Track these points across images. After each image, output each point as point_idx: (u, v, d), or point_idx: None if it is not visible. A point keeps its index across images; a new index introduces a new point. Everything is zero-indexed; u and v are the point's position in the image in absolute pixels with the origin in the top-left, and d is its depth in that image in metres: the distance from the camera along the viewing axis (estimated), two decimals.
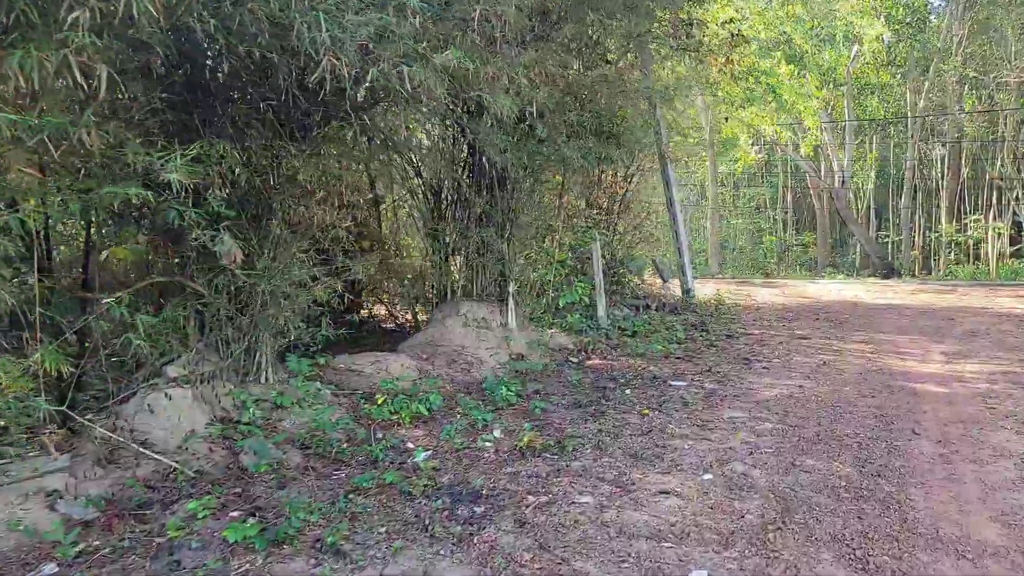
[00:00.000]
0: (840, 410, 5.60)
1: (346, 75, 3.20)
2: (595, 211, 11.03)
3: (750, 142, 22.34)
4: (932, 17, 23.42)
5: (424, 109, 4.96)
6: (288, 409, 4.91)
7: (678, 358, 7.86)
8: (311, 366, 5.30)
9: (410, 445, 4.76)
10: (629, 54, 9.02)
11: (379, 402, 5.42)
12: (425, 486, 3.95)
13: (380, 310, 9.68)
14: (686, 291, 12.19)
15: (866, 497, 3.80)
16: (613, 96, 6.83)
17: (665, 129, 11.42)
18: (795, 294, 14.78)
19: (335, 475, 4.29)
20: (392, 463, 4.43)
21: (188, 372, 4.61)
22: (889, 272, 21.71)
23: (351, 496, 3.82)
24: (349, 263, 5.43)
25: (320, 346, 5.81)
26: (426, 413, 5.28)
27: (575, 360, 7.68)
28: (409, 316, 9.14)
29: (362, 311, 9.57)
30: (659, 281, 13.25)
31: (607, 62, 7.37)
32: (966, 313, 11.20)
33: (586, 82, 6.59)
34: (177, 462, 4.00)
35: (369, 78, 3.36)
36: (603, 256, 10.40)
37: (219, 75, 3.87)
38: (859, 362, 7.61)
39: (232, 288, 4.81)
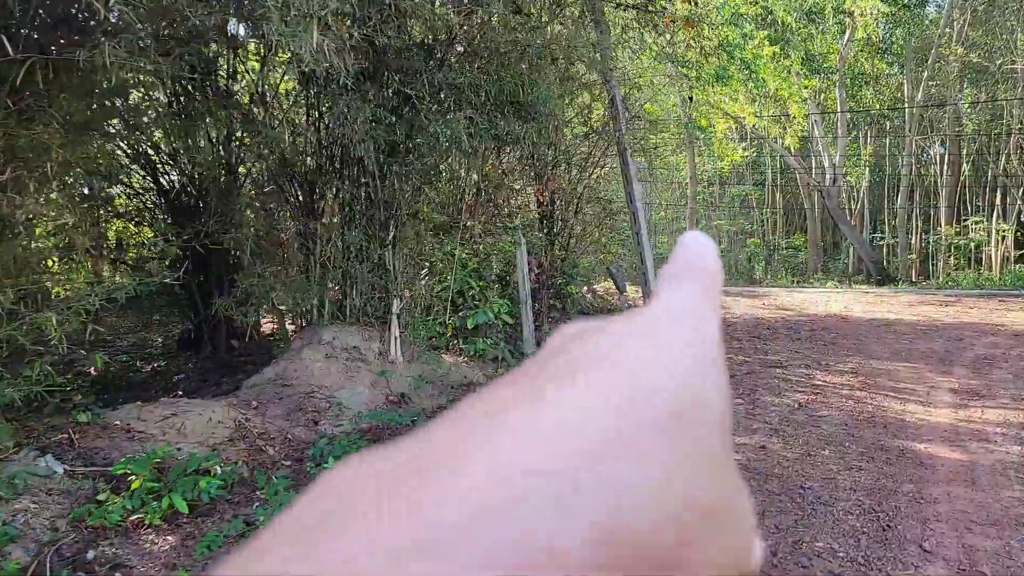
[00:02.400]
0: (812, 496, 3.86)
1: None
2: (538, 209, 9.36)
3: (733, 136, 20.59)
4: (931, 9, 21.72)
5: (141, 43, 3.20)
6: None
7: None
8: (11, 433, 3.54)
9: (135, 574, 3.01)
10: (571, 7, 7.28)
11: (133, 486, 3.67)
12: None
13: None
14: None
15: None
16: (515, 51, 5.09)
17: (624, 112, 9.70)
18: (776, 305, 13.04)
19: None
20: None
21: None
22: (884, 278, 19.95)
23: None
24: (86, 283, 3.64)
25: (86, 392, 4.07)
26: (185, 510, 3.52)
27: None
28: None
29: (252, 332, 7.84)
30: (618, 292, 11.50)
31: (518, 11, 5.62)
32: (975, 332, 9.46)
33: (472, 30, 4.84)
34: None
35: None
36: (541, 264, 8.68)
37: None
38: (845, 405, 5.87)
39: None
